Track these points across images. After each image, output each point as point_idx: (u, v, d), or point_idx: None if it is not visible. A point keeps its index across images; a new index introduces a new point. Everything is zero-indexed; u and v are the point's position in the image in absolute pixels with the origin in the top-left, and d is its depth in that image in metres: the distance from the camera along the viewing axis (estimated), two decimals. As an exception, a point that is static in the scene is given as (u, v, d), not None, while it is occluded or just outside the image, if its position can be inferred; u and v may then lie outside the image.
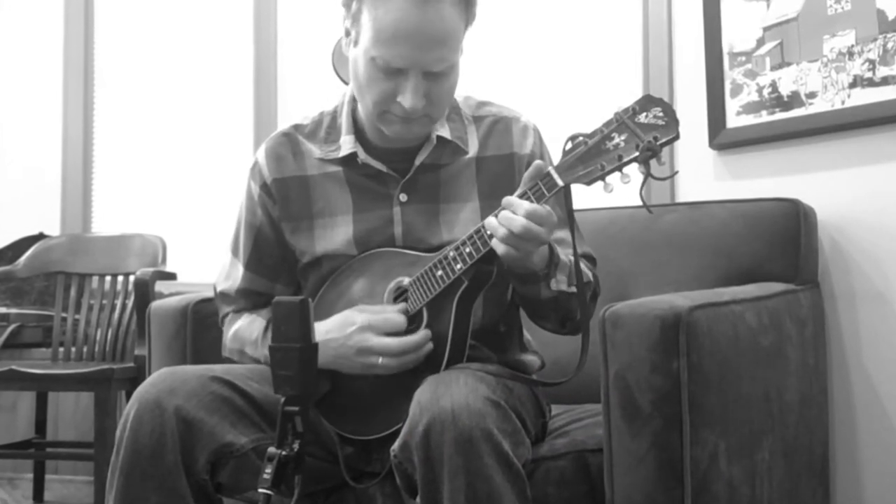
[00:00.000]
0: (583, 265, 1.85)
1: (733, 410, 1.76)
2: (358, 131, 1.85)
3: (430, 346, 1.70)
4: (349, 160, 1.84)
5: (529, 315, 1.86)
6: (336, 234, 1.84)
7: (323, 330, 1.71)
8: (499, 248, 1.60)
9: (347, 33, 1.76)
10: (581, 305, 1.70)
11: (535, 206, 1.57)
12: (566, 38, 3.18)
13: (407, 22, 1.63)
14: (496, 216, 1.60)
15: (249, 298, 1.94)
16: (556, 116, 3.01)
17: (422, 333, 1.70)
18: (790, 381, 2.04)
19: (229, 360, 1.93)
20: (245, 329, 1.91)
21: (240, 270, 1.94)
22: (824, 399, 2.33)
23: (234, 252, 1.95)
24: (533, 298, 1.75)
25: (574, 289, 1.73)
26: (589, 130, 1.57)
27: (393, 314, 1.72)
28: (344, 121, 1.86)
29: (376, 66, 1.67)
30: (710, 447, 1.67)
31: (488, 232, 1.62)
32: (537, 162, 1.63)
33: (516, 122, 1.89)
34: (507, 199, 1.60)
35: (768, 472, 1.87)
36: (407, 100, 1.67)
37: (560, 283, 1.72)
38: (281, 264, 1.92)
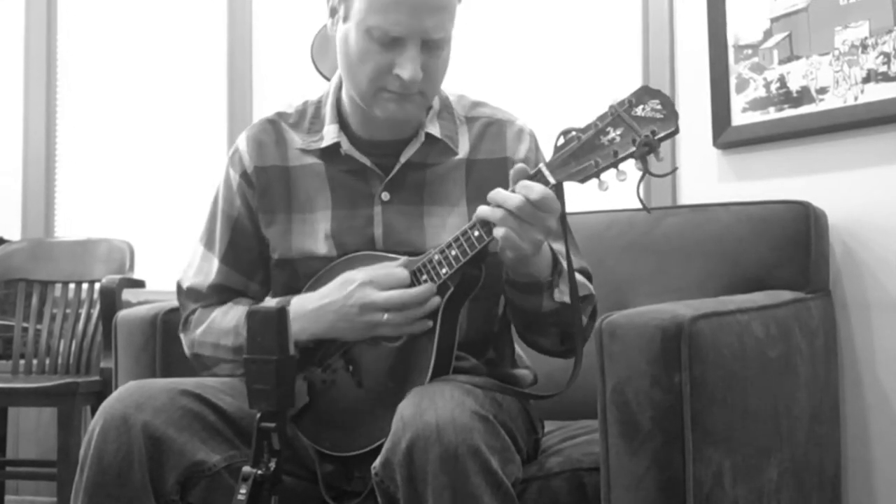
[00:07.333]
0: (581, 278, 1.85)
1: (739, 427, 1.76)
2: (342, 122, 1.86)
3: (436, 299, 1.69)
4: (331, 152, 1.84)
5: (525, 333, 1.86)
6: (311, 232, 1.84)
7: (320, 295, 1.73)
8: (498, 232, 1.60)
9: (333, 12, 1.77)
10: (575, 315, 1.70)
11: (535, 184, 1.58)
12: (562, 28, 3.19)
13: None
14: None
15: (222, 295, 1.92)
16: (549, 110, 3.02)
17: (426, 286, 1.69)
18: (800, 396, 2.05)
19: (197, 363, 1.91)
20: (220, 319, 1.88)
21: (214, 264, 1.92)
22: (836, 415, 2.33)
23: (208, 245, 1.94)
24: (533, 311, 1.75)
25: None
26: (582, 125, 1.57)
27: (395, 268, 1.72)
28: (328, 110, 1.87)
29: (372, 37, 1.69)
30: (714, 466, 1.67)
31: (476, 233, 1.63)
32: (518, 165, 1.63)
33: (511, 125, 1.90)
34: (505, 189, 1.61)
35: (776, 493, 1.88)
36: (406, 70, 1.68)
37: (563, 295, 1.72)
38: (258, 259, 1.91)
